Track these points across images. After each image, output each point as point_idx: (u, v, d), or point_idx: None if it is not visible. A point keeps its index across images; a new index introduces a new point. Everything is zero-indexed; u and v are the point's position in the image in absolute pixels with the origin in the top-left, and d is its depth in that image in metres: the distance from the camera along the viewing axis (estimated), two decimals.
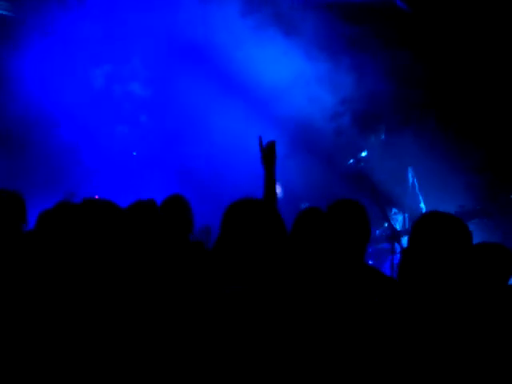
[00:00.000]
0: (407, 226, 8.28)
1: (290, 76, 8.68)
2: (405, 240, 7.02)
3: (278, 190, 4.14)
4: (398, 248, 6.58)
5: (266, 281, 2.38)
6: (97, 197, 8.90)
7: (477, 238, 3.05)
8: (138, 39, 8.86)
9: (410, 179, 8.60)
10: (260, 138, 4.22)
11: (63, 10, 8.53)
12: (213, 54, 8.78)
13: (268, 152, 4.12)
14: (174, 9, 8.59)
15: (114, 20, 8.70)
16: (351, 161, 8.39)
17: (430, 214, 2.72)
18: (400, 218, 8.60)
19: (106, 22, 8.72)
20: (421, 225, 2.68)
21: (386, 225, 7.41)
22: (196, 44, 8.80)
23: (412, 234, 2.68)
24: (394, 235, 6.96)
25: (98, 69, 9.05)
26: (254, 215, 2.49)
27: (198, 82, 8.80)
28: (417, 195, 8.48)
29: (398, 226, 8.23)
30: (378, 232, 7.84)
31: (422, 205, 8.35)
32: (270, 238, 2.46)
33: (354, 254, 3.25)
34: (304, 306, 2.58)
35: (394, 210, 8.60)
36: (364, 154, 8.37)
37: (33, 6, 8.51)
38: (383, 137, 9.00)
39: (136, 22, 8.71)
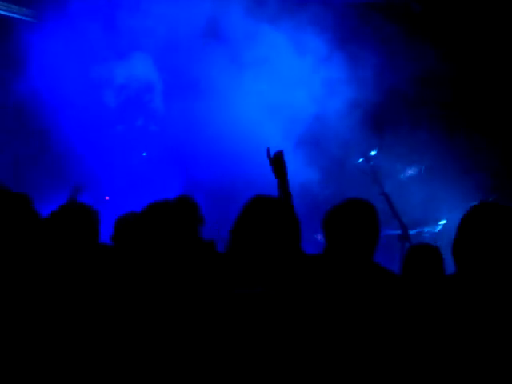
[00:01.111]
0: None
1: (303, 73, 8.70)
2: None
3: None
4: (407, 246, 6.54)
5: (277, 282, 2.37)
6: (107, 198, 9.01)
7: None
8: (153, 36, 8.84)
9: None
10: (268, 150, 4.19)
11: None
12: (223, 50, 8.78)
13: (277, 162, 4.09)
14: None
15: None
16: (361, 159, 8.37)
17: (482, 206, 2.66)
18: None
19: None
20: (473, 217, 2.61)
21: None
22: (207, 42, 8.80)
23: (462, 225, 2.61)
24: (405, 234, 6.94)
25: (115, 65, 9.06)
26: (269, 213, 2.48)
27: (208, 80, 8.79)
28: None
29: None
30: (387, 232, 7.80)
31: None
32: (285, 237, 2.45)
33: (364, 254, 3.23)
34: (313, 306, 2.58)
35: None
36: (373, 152, 8.33)
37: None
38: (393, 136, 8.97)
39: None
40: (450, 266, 3.01)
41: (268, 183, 4.10)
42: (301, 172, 8.57)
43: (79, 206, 3.97)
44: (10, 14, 9.02)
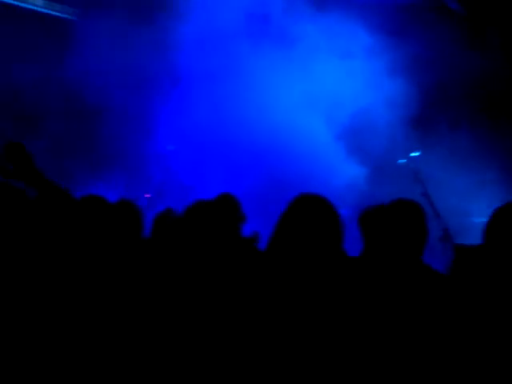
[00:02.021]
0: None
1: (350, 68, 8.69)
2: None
3: None
4: (449, 248, 6.47)
5: (316, 283, 2.38)
6: (147, 195, 9.12)
7: None
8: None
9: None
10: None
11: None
12: (268, 46, 8.81)
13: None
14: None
15: None
16: (403, 160, 8.30)
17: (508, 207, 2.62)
18: None
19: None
20: (502, 216, 2.58)
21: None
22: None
23: (491, 226, 2.58)
24: (447, 236, 6.86)
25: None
26: (313, 212, 2.50)
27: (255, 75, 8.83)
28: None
29: None
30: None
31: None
32: (327, 236, 2.46)
33: (413, 254, 3.23)
34: (357, 304, 2.58)
35: None
36: (416, 154, 8.25)
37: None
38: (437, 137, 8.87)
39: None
40: None
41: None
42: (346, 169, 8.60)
43: (125, 204, 4.07)
44: (53, 13, 9.22)
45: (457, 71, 8.48)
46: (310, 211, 2.48)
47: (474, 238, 3.04)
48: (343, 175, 8.66)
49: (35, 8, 9.14)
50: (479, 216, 8.10)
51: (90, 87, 8.44)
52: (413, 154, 8.29)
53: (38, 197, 3.28)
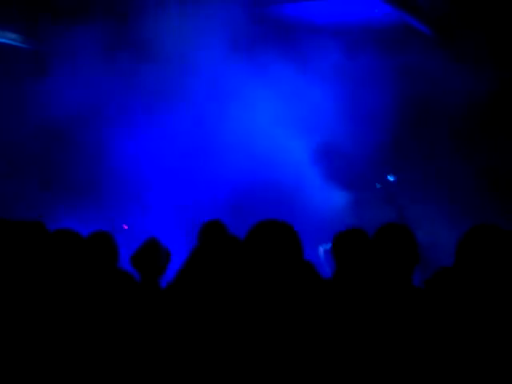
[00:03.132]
0: None
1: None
2: None
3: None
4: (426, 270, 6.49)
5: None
6: (125, 227, 9.05)
7: None
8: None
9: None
10: None
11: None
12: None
13: None
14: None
15: None
16: (378, 185, 8.37)
17: (479, 228, 2.64)
18: None
19: None
20: (471, 238, 2.61)
21: None
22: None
23: (461, 247, 2.60)
24: (424, 259, 6.88)
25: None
26: (271, 236, 2.51)
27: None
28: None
29: None
30: None
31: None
32: (286, 260, 2.48)
33: (403, 277, 3.27)
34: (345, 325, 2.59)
35: None
36: (391, 178, 8.33)
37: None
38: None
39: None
40: None
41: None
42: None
43: (101, 234, 4.04)
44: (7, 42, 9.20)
45: (433, 92, 8.60)
46: (269, 238, 2.49)
47: (448, 261, 3.07)
48: (322, 198, 8.70)
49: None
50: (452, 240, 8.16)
51: (62, 117, 8.43)
52: (389, 178, 8.37)
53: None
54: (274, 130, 8.74)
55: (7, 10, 8.66)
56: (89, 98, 8.66)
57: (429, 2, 8.78)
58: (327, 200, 8.70)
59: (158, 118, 9.04)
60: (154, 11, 8.66)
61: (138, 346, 2.75)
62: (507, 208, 8.01)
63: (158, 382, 2.66)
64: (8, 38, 9.20)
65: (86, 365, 2.84)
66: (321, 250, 6.98)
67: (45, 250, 3.22)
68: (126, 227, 9.09)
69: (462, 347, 2.42)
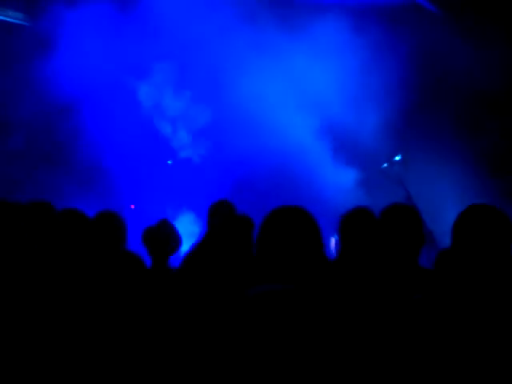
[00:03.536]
0: None
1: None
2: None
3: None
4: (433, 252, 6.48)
5: (304, 283, 2.38)
6: (132, 206, 9.09)
7: None
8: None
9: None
10: None
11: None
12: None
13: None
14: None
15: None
16: (385, 164, 8.34)
17: (475, 207, 2.64)
18: None
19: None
20: (467, 218, 2.60)
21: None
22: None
23: (456, 228, 2.60)
24: (431, 239, 6.89)
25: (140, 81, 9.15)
26: (290, 222, 2.49)
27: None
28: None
29: None
30: None
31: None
32: (306, 245, 2.46)
33: (410, 257, 3.28)
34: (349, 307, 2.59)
35: None
36: (398, 157, 8.30)
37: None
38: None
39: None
40: None
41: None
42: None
43: (108, 214, 4.04)
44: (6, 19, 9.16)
45: (442, 70, 8.53)
46: (289, 224, 2.47)
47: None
48: (332, 177, 8.70)
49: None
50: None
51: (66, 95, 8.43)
52: (396, 158, 8.34)
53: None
54: (281, 109, 8.71)
55: None
56: (90, 77, 8.66)
57: None
58: (336, 181, 8.69)
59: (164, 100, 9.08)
60: None
61: (145, 330, 2.77)
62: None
63: (166, 370, 2.68)
64: (9, 16, 9.16)
65: (90, 346, 2.86)
66: (332, 240, 7.00)
67: (52, 229, 3.23)
68: (132, 207, 9.13)
69: (463, 334, 2.43)
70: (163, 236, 3.48)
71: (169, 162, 9.47)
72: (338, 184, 8.67)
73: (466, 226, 2.55)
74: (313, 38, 8.70)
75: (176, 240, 3.52)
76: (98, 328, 2.91)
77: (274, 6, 8.84)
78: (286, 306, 2.17)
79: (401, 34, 8.52)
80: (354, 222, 3.53)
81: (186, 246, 4.41)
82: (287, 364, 2.13)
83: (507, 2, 8.38)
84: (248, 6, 8.58)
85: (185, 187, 9.18)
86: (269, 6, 8.84)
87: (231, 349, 2.17)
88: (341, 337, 2.31)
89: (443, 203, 8.22)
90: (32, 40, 8.74)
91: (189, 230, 7.71)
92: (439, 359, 2.39)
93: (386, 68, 8.47)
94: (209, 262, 3.51)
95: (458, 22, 8.59)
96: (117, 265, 3.41)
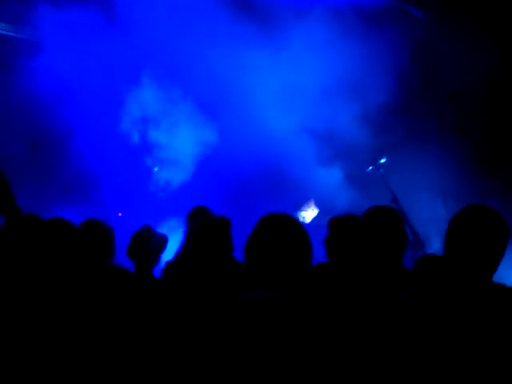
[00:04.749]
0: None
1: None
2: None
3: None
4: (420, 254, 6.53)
5: (292, 287, 2.39)
6: (120, 214, 9.06)
7: None
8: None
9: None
10: None
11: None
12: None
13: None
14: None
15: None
16: (371, 167, 8.38)
17: (471, 208, 2.64)
18: None
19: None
20: (461, 220, 2.61)
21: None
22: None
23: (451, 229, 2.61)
24: (418, 242, 6.93)
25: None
26: (278, 230, 2.51)
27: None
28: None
29: None
30: None
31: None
32: (296, 251, 2.48)
33: (393, 259, 3.30)
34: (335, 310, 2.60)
35: None
36: (383, 160, 8.34)
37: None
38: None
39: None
40: None
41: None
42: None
43: (95, 223, 4.03)
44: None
45: (426, 74, 8.59)
46: (279, 232, 2.48)
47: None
48: (318, 177, 8.73)
49: None
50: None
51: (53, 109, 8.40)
52: (381, 161, 8.37)
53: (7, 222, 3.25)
54: (266, 110, 8.72)
55: None
56: (76, 85, 8.64)
57: None
58: (321, 181, 8.73)
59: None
60: None
61: (131, 337, 2.76)
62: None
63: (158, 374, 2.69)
64: None
65: (76, 349, 2.86)
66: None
67: (41, 238, 3.22)
68: (120, 215, 9.11)
69: (450, 333, 2.45)
70: (144, 242, 3.48)
71: (155, 168, 9.45)
72: (323, 184, 8.70)
73: (461, 227, 2.56)
74: (297, 38, 8.74)
75: (158, 245, 3.52)
76: (84, 334, 2.91)
77: (257, 7, 8.87)
78: (273, 312, 2.18)
79: (384, 35, 8.57)
80: (341, 228, 3.54)
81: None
82: (275, 369, 2.14)
83: (489, 4, 8.44)
84: (229, 6, 8.61)
85: (172, 193, 9.17)
86: (251, 7, 8.87)
87: (218, 354, 2.18)
88: (328, 342, 2.33)
89: (428, 204, 8.28)
90: (16, 50, 8.73)
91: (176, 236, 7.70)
92: (418, 360, 2.41)
93: (371, 69, 8.52)
94: (189, 267, 3.52)
95: (442, 23, 8.64)
96: (103, 276, 3.41)
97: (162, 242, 4.36)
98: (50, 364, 2.76)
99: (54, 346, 2.81)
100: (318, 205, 8.81)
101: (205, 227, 3.74)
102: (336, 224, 3.64)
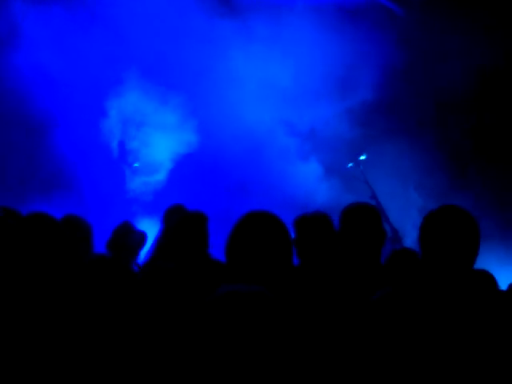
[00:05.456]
0: None
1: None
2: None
3: None
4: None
5: (269, 283, 2.40)
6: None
7: None
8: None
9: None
10: None
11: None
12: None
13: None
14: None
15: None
16: (350, 164, 8.43)
17: (443, 209, 2.68)
18: None
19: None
20: (433, 220, 2.64)
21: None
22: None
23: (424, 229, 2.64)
24: (396, 237, 6.99)
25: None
26: (259, 227, 2.52)
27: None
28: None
29: None
30: None
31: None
32: (276, 248, 2.49)
33: (371, 256, 3.32)
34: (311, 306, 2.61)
35: None
36: (363, 157, 8.39)
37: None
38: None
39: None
40: None
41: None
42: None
43: (74, 219, 4.01)
44: None
45: (405, 71, 8.66)
46: (260, 230, 2.50)
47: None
48: (297, 173, 8.78)
49: None
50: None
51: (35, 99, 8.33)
52: (361, 158, 8.43)
53: None
54: (245, 107, 8.74)
55: None
56: (55, 85, 8.59)
57: None
58: (300, 176, 8.77)
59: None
60: None
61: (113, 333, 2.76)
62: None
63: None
64: None
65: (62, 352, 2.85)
66: None
67: (19, 232, 3.20)
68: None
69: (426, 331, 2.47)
70: (124, 236, 3.48)
71: (136, 164, 9.41)
72: (303, 180, 8.74)
73: (434, 226, 2.59)
74: (277, 35, 8.77)
75: (137, 241, 3.53)
76: (70, 332, 2.90)
77: (239, 4, 8.88)
78: (252, 307, 2.19)
79: (366, 32, 8.63)
80: (309, 227, 3.52)
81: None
82: (252, 364, 2.16)
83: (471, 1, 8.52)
84: (209, 4, 8.62)
85: (153, 190, 9.15)
86: (233, 4, 8.88)
87: (197, 348, 2.19)
88: (307, 338, 2.35)
89: (406, 202, 8.36)
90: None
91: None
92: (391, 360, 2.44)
93: (350, 65, 8.57)
94: (167, 262, 3.52)
95: (422, 20, 8.72)
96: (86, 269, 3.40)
97: (141, 238, 4.37)
98: (32, 357, 2.75)
99: (38, 341, 2.80)
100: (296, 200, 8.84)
101: (180, 222, 3.74)
102: (303, 223, 3.61)
